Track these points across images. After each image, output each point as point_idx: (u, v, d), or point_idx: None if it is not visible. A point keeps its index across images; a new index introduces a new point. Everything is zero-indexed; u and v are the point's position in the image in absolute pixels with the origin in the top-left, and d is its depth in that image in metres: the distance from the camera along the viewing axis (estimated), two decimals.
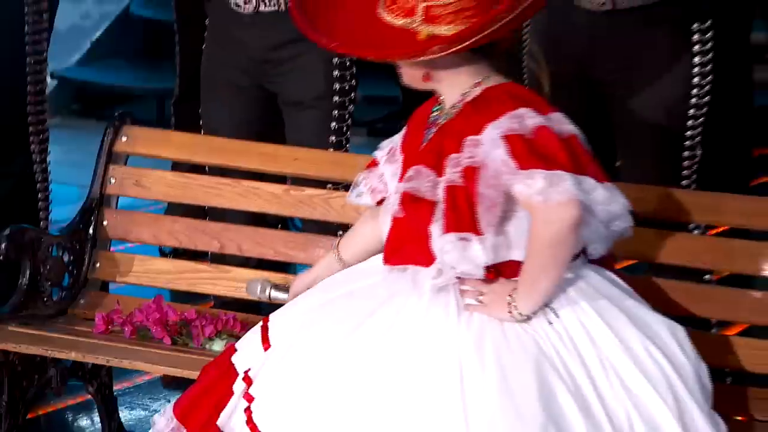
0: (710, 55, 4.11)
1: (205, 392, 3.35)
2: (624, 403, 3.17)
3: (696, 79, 4.11)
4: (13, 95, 4.68)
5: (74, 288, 4.04)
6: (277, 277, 3.84)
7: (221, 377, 3.35)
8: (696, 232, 3.87)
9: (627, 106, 4.13)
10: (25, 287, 3.95)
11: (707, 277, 3.81)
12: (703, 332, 3.62)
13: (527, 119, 3.15)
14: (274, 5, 4.22)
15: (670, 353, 3.23)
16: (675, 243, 3.67)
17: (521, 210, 3.18)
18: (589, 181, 3.14)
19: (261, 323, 3.37)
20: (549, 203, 3.09)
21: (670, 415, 3.18)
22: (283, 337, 3.32)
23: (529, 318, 3.17)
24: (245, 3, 4.24)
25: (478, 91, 3.23)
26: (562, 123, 3.21)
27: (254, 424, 3.24)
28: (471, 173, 3.16)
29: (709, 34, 4.10)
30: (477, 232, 3.16)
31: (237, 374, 3.33)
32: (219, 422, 3.31)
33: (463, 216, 3.17)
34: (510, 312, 3.17)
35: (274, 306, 3.47)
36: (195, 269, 4.04)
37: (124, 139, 4.09)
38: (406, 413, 3.14)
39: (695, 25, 4.09)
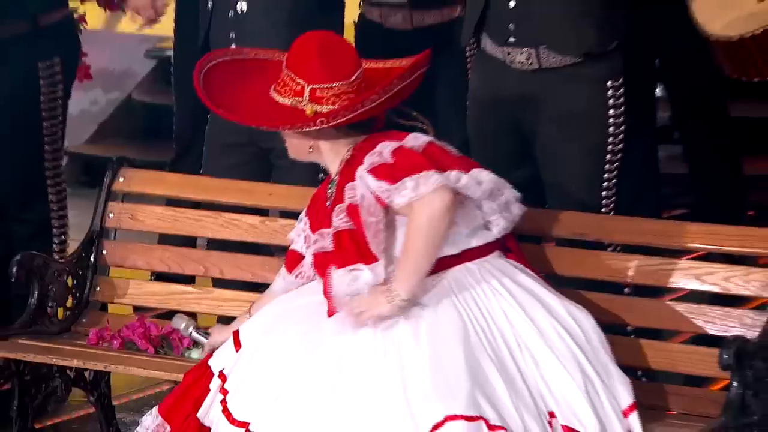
0: (622, 108, 4.07)
1: (186, 392, 3.33)
2: (533, 374, 3.16)
3: (611, 129, 4.06)
4: (31, 152, 4.62)
5: (77, 308, 3.95)
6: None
7: (199, 379, 3.33)
8: (610, 250, 3.78)
9: (553, 153, 4.07)
10: (33, 307, 3.86)
11: (626, 290, 3.72)
12: (620, 336, 3.55)
13: (384, 150, 3.20)
14: None
15: (573, 331, 3.23)
16: (596, 260, 3.61)
17: (400, 228, 3.20)
18: (452, 174, 3.18)
19: (233, 332, 3.36)
20: (423, 196, 3.13)
21: (573, 382, 3.16)
22: (251, 340, 3.31)
23: (407, 303, 3.14)
24: None
25: (350, 153, 3.28)
26: (416, 140, 3.25)
27: (229, 412, 3.21)
28: (354, 210, 3.20)
29: (620, 90, 4.07)
30: (366, 261, 3.17)
31: (213, 374, 3.31)
32: (199, 414, 3.28)
33: (348, 253, 3.19)
34: (391, 301, 3.14)
35: None
36: (182, 291, 3.95)
37: (121, 179, 4.02)
38: (355, 395, 3.11)
39: (609, 82, 4.04)
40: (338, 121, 3.21)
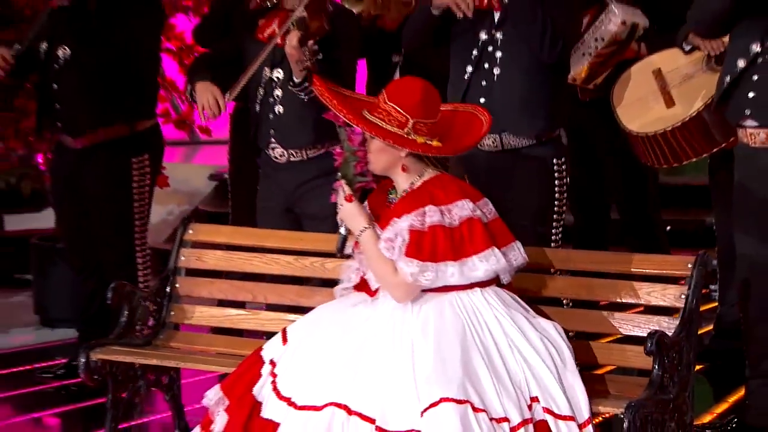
0: (565, 180, 4.13)
1: (242, 374, 3.33)
2: (522, 367, 3.18)
3: (557, 195, 4.12)
4: (124, 227, 4.69)
5: (156, 327, 3.97)
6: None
7: (253, 365, 3.33)
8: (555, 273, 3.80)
9: (512, 214, 4.09)
10: (123, 324, 3.89)
11: (565, 301, 3.74)
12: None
13: (427, 217, 3.22)
14: (299, 156, 4.19)
15: (552, 339, 3.28)
16: (548, 281, 3.64)
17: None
18: (449, 269, 3.19)
19: (282, 330, 3.38)
20: (415, 282, 3.17)
21: (552, 376, 3.21)
22: (296, 336, 3.34)
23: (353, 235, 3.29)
24: (280, 156, 4.22)
25: (420, 182, 3.29)
26: (462, 210, 3.26)
27: (278, 390, 3.22)
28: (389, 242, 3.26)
29: (564, 166, 4.13)
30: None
31: (264, 362, 3.32)
32: (254, 391, 3.27)
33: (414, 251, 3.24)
34: (357, 230, 3.26)
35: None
36: (236, 313, 3.96)
37: (190, 231, 4.06)
38: (375, 375, 3.13)
39: (554, 160, 4.11)
40: (436, 153, 3.26)
